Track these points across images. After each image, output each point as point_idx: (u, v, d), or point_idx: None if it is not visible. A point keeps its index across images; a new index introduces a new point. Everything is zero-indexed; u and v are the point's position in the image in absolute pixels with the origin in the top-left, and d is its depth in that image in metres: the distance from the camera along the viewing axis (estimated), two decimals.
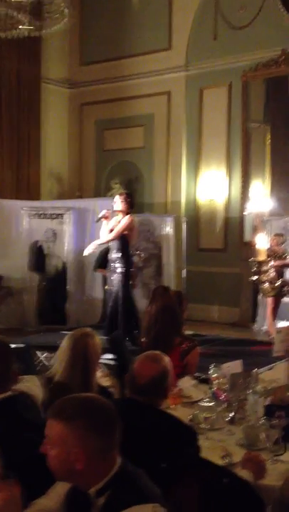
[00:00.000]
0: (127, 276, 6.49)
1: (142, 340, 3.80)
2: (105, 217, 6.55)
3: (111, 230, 6.50)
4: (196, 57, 9.60)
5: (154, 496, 1.57)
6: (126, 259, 6.48)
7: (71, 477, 1.60)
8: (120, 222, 6.45)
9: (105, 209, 6.83)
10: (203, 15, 9.43)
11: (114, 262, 6.50)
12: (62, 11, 5.29)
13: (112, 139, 10.66)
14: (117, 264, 6.45)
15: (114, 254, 6.50)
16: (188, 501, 1.80)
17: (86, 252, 6.89)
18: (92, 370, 2.65)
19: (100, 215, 6.72)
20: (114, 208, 6.55)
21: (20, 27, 5.16)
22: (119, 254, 6.44)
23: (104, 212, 6.67)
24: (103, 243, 6.67)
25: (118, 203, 6.52)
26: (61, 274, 8.59)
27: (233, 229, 9.38)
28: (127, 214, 6.51)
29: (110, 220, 6.55)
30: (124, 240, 6.48)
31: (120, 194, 6.75)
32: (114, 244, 6.51)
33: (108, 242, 6.55)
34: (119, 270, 6.43)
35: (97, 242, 6.72)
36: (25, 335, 7.51)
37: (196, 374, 3.78)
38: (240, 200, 9.30)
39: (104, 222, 6.61)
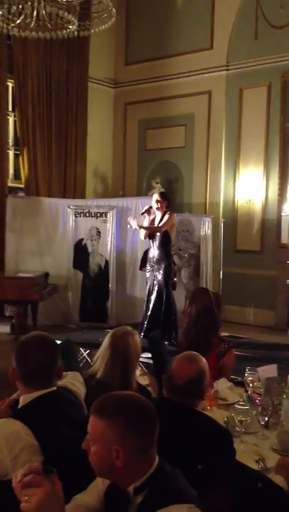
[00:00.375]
0: (168, 275, 6.51)
1: (180, 340, 3.83)
2: (148, 213, 6.62)
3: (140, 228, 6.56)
4: (237, 57, 9.58)
5: (190, 497, 1.60)
6: (168, 256, 6.51)
7: (110, 474, 1.63)
8: (163, 218, 6.48)
9: (148, 205, 6.91)
10: (244, 14, 9.39)
11: (155, 259, 6.52)
12: (111, 11, 5.36)
13: (154, 139, 10.71)
14: (159, 262, 6.47)
15: (156, 252, 6.51)
16: (222, 504, 1.83)
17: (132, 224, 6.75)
18: (131, 369, 2.70)
19: (143, 210, 6.80)
20: (154, 206, 6.62)
21: (69, 27, 5.25)
22: (161, 252, 6.46)
23: (147, 206, 6.74)
24: (149, 230, 6.64)
25: (156, 200, 6.57)
26: (104, 273, 8.70)
27: (270, 231, 9.31)
28: (164, 212, 6.56)
29: (152, 215, 6.61)
30: (165, 237, 6.51)
31: (159, 192, 6.82)
32: (155, 242, 6.54)
33: (154, 230, 6.53)
34: (161, 268, 6.45)
35: (141, 235, 6.71)
36: (68, 331, 7.67)
37: (232, 376, 3.79)
38: (277, 202, 9.23)
39: (146, 217, 6.67)
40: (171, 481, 1.63)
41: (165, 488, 1.59)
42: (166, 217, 6.51)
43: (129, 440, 1.58)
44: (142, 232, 6.63)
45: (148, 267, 6.70)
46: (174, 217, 6.59)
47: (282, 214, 9.18)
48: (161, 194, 6.67)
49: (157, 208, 6.57)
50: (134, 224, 6.61)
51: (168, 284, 6.50)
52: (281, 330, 8.78)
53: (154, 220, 6.58)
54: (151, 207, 6.67)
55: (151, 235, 6.56)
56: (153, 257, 6.54)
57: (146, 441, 1.62)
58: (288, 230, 9.27)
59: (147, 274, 6.69)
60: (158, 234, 6.52)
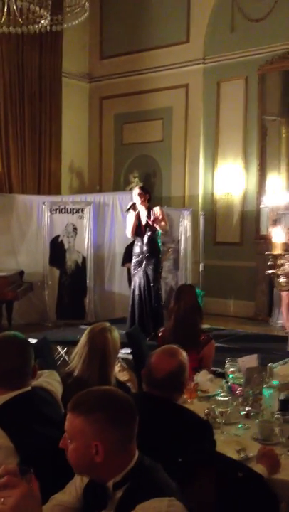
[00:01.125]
0: (158, 270, 6.48)
1: (164, 336, 3.81)
2: (133, 208, 6.54)
3: (136, 225, 6.47)
4: (214, 50, 9.59)
5: (170, 490, 1.59)
6: (157, 252, 6.48)
7: (90, 470, 1.62)
8: (156, 212, 6.41)
9: (131, 201, 6.84)
10: (220, 7, 9.40)
11: (145, 255, 6.45)
12: (84, 5, 5.30)
13: (131, 133, 10.67)
14: (149, 258, 6.41)
15: (144, 248, 6.44)
16: (203, 495, 1.84)
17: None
18: (110, 365, 2.68)
19: (128, 206, 6.71)
20: (138, 201, 6.53)
21: (42, 21, 5.18)
22: (151, 248, 6.41)
23: (131, 203, 6.67)
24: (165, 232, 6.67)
25: (138, 195, 6.50)
26: (81, 269, 8.66)
27: (250, 223, 9.36)
28: (147, 207, 6.51)
29: (136, 211, 6.52)
30: (154, 233, 6.45)
31: (139, 187, 6.74)
32: (144, 238, 6.45)
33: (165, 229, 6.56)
34: (151, 264, 6.40)
35: (128, 233, 6.65)
36: (45, 330, 7.60)
37: (213, 368, 3.81)
38: (256, 194, 9.28)
39: (129, 214, 6.60)
40: (151, 474, 1.62)
41: (145, 482, 1.59)
42: (158, 211, 6.42)
43: (108, 435, 1.58)
44: (129, 230, 6.54)
45: (134, 263, 6.60)
46: (162, 209, 6.59)
47: (261, 206, 9.23)
48: (142, 188, 6.62)
49: (140, 203, 6.50)
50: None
51: (157, 280, 6.47)
52: (261, 320, 8.86)
53: (138, 214, 6.51)
54: (134, 203, 6.60)
55: (138, 232, 6.50)
56: (141, 253, 6.45)
57: (126, 435, 1.62)
58: (267, 222, 9.34)
59: (133, 270, 6.59)
60: (147, 230, 6.44)
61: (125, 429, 1.62)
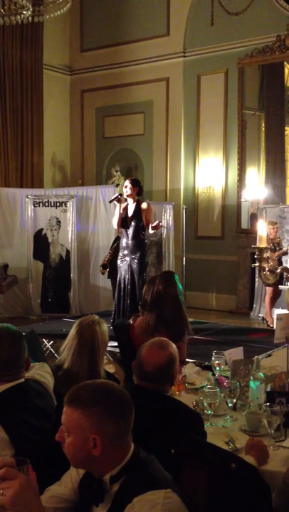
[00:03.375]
0: (143, 264, 6.46)
1: (149, 322, 3.75)
2: (118, 200, 6.48)
3: (122, 217, 6.44)
4: (194, 44, 9.60)
5: (166, 482, 1.60)
6: (143, 246, 6.45)
7: (88, 464, 1.62)
8: (142, 208, 6.37)
9: (117, 193, 6.80)
10: (200, 1, 9.41)
11: (130, 249, 6.43)
12: None
13: (112, 126, 10.64)
14: (135, 252, 6.39)
15: (130, 241, 6.42)
16: (196, 486, 1.85)
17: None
18: (99, 357, 2.68)
19: (113, 197, 6.65)
20: (125, 193, 6.49)
21: (24, 12, 5.11)
22: (136, 241, 6.38)
23: (117, 194, 6.60)
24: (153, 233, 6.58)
25: (128, 187, 6.46)
26: (65, 262, 8.62)
27: (231, 217, 9.41)
28: (135, 199, 6.47)
29: (123, 203, 6.48)
30: (140, 226, 6.42)
31: (130, 179, 6.66)
32: (129, 231, 6.42)
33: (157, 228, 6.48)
34: (136, 258, 6.39)
35: (114, 223, 6.55)
36: (29, 323, 7.58)
37: (199, 361, 3.83)
38: (237, 188, 9.33)
39: (117, 205, 6.55)
40: (147, 467, 1.62)
41: (141, 474, 1.59)
42: (146, 206, 6.40)
43: (106, 428, 1.58)
44: (115, 221, 6.49)
45: (120, 256, 6.57)
46: (150, 205, 6.56)
47: (242, 200, 9.30)
48: (132, 181, 6.57)
49: (128, 195, 6.45)
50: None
51: (142, 273, 6.44)
52: (243, 314, 8.94)
53: (126, 207, 6.47)
54: (120, 194, 6.55)
55: (124, 224, 6.45)
56: (127, 246, 6.42)
57: (123, 428, 1.62)
58: (248, 216, 9.41)
59: (119, 263, 6.55)
60: (132, 223, 6.41)
61: (122, 422, 1.62)
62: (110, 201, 6.74)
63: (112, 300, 6.78)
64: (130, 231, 6.37)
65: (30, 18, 5.40)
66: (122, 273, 6.41)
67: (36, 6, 5.52)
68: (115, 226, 6.56)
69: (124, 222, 6.38)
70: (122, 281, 6.41)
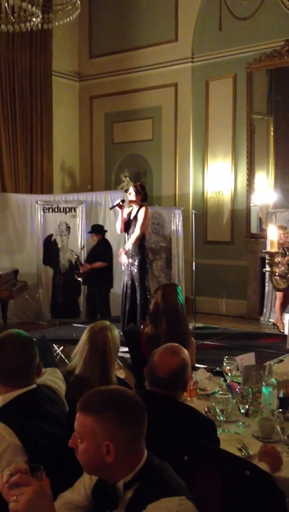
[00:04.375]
0: (143, 269, 6.47)
1: (152, 334, 3.78)
2: (120, 206, 6.51)
3: (125, 221, 6.46)
4: (202, 49, 9.61)
5: (180, 489, 1.58)
6: (142, 251, 6.46)
7: (101, 470, 1.60)
8: (138, 216, 6.42)
9: (119, 199, 6.82)
10: (208, 6, 9.43)
11: (130, 254, 6.44)
12: (75, 3, 5.28)
13: (121, 132, 10.67)
14: (133, 257, 6.41)
15: (130, 248, 6.44)
16: (210, 493, 1.83)
17: (124, 261, 6.53)
18: (110, 363, 2.67)
19: (115, 203, 6.70)
20: (129, 199, 6.53)
21: (33, 19, 5.15)
22: (135, 246, 6.40)
23: (118, 201, 6.64)
24: (134, 242, 6.45)
25: (132, 193, 6.49)
26: (74, 268, 8.62)
27: (240, 221, 9.39)
28: (140, 205, 6.48)
29: (124, 209, 6.51)
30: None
31: (134, 185, 6.70)
32: (129, 237, 6.45)
33: (138, 239, 6.41)
34: (135, 263, 6.40)
35: (126, 246, 6.56)
36: (40, 328, 7.60)
37: (210, 367, 3.81)
38: (246, 193, 9.31)
39: (118, 211, 6.58)
40: (161, 473, 1.61)
41: (155, 481, 1.58)
42: (141, 214, 6.40)
43: (119, 434, 1.56)
44: (118, 226, 6.53)
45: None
46: (148, 211, 6.52)
47: (251, 204, 9.28)
48: (136, 187, 6.58)
49: (132, 201, 6.47)
50: (124, 258, 6.47)
51: (143, 278, 6.44)
52: (253, 319, 8.89)
53: (130, 213, 6.50)
54: (123, 201, 6.58)
55: (127, 229, 6.48)
56: (128, 252, 6.46)
57: (136, 434, 1.61)
58: (257, 221, 9.38)
59: (123, 269, 6.61)
60: (133, 229, 6.42)
61: (136, 428, 1.61)
62: (111, 208, 6.77)
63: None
64: (130, 236, 6.41)
65: (39, 25, 5.43)
66: (125, 278, 6.46)
67: (45, 13, 5.56)
68: (118, 231, 6.60)
69: (126, 227, 6.43)
70: (125, 286, 6.45)
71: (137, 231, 6.38)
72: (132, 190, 6.50)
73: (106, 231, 7.96)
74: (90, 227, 8.09)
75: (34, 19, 5.19)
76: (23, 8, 5.06)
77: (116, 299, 6.87)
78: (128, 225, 6.49)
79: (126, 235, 6.54)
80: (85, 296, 8.50)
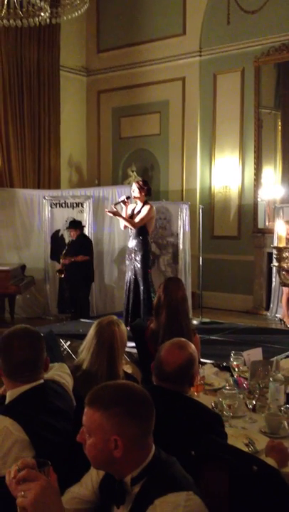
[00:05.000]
0: (146, 264, 6.49)
1: (155, 329, 3.78)
2: (124, 202, 6.52)
3: (128, 217, 6.49)
4: (210, 43, 9.57)
5: (187, 484, 1.58)
6: (145, 246, 6.48)
7: (109, 465, 1.60)
8: (141, 210, 6.42)
9: (124, 195, 6.83)
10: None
11: (132, 249, 6.48)
12: None
13: (128, 127, 10.65)
14: (136, 252, 6.43)
15: (133, 242, 6.47)
16: (217, 488, 1.83)
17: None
18: (118, 358, 2.68)
19: (119, 199, 6.72)
20: (133, 195, 6.55)
21: (42, 14, 5.13)
22: (138, 242, 6.42)
23: (123, 197, 6.65)
24: (125, 226, 6.55)
25: (135, 190, 6.50)
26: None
27: (247, 216, 9.36)
28: (143, 201, 6.50)
29: (128, 206, 6.53)
30: (142, 228, 6.46)
31: (137, 181, 6.72)
32: (132, 232, 6.49)
33: (130, 225, 6.42)
34: (138, 258, 6.42)
35: (121, 225, 6.64)
36: (47, 323, 7.62)
37: (217, 361, 3.81)
38: (253, 187, 9.27)
39: (123, 207, 6.60)
40: (168, 468, 1.61)
41: (162, 476, 1.58)
42: (145, 210, 6.40)
43: (127, 429, 1.56)
44: (122, 223, 6.55)
45: (126, 257, 6.65)
46: (152, 209, 6.51)
47: (258, 199, 9.25)
48: (139, 183, 6.58)
49: (136, 197, 6.49)
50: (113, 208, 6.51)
51: (146, 273, 6.46)
52: (259, 314, 8.88)
53: (134, 209, 6.51)
54: (128, 197, 6.58)
55: None
56: (131, 247, 6.50)
57: (144, 429, 1.61)
58: (264, 215, 9.35)
59: (126, 263, 6.64)
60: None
61: (144, 422, 1.61)
62: (115, 204, 6.77)
63: None
64: (133, 232, 6.41)
65: (47, 20, 5.42)
66: (129, 273, 6.49)
67: (54, 8, 5.54)
68: (122, 227, 6.62)
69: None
70: (128, 281, 6.47)
71: (133, 222, 6.37)
72: (134, 186, 6.51)
73: (84, 226, 8.20)
74: (69, 223, 8.23)
75: (42, 14, 5.18)
76: (32, 2, 5.05)
77: (122, 294, 6.88)
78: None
79: (129, 230, 6.56)
80: (58, 290, 8.60)
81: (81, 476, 1.82)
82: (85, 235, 8.26)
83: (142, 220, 6.38)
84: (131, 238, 6.51)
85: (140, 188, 6.44)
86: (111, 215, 6.60)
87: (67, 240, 8.66)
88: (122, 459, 1.56)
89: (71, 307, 8.10)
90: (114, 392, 1.62)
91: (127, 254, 6.59)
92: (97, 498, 1.74)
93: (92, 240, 8.59)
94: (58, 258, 8.67)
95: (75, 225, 8.06)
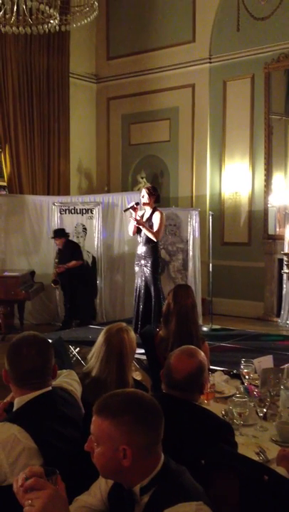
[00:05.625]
0: (156, 270, 6.46)
1: (165, 336, 3.76)
2: (134, 209, 6.51)
3: (138, 223, 6.45)
4: (219, 49, 9.58)
5: (197, 494, 1.56)
6: (155, 253, 6.46)
7: (117, 475, 1.58)
8: (152, 217, 6.41)
9: (134, 201, 6.82)
10: (225, 6, 9.41)
11: (142, 255, 6.45)
12: (93, 4, 5.29)
13: (138, 133, 10.67)
14: (146, 258, 6.41)
15: (143, 248, 6.45)
16: (228, 498, 1.80)
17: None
18: (127, 365, 2.65)
19: (129, 205, 6.70)
20: (142, 202, 6.53)
21: (51, 21, 5.16)
22: (148, 248, 6.40)
23: (133, 203, 6.63)
24: (136, 234, 6.52)
25: (145, 196, 6.49)
26: (91, 270, 8.64)
27: (257, 223, 9.33)
28: (152, 207, 6.48)
29: (137, 212, 6.51)
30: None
31: (146, 187, 6.70)
32: (142, 238, 6.46)
33: (152, 235, 6.38)
34: (148, 264, 6.40)
35: (130, 231, 6.60)
36: (56, 330, 7.61)
37: (227, 369, 3.77)
38: (263, 194, 9.24)
39: (132, 214, 6.57)
40: (178, 478, 1.58)
41: (172, 486, 1.55)
42: (157, 218, 6.38)
43: (136, 438, 1.54)
44: (131, 229, 6.53)
45: (135, 263, 6.63)
46: (163, 216, 6.50)
47: (269, 205, 9.21)
48: (149, 188, 6.56)
49: (146, 204, 6.47)
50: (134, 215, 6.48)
51: (156, 280, 6.43)
52: (270, 321, 8.82)
53: (143, 215, 6.49)
54: (137, 203, 6.57)
55: (139, 231, 6.48)
56: (141, 253, 6.47)
57: (153, 438, 1.58)
58: (275, 221, 9.31)
59: (136, 270, 6.61)
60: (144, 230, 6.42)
61: (153, 431, 1.58)
62: (125, 210, 6.76)
63: None
64: (143, 238, 6.39)
65: (57, 27, 5.44)
66: (138, 280, 6.46)
67: (63, 15, 5.57)
68: (131, 234, 6.59)
69: (139, 229, 6.41)
70: (137, 288, 6.44)
71: (156, 233, 6.36)
72: (144, 192, 6.49)
73: (68, 234, 8.22)
74: (53, 232, 8.26)
75: (52, 21, 5.20)
76: (41, 10, 5.08)
77: (132, 301, 6.86)
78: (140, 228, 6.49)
79: (138, 237, 6.53)
80: (57, 300, 8.63)
81: (90, 484, 1.80)
82: (72, 241, 8.30)
83: (159, 229, 6.38)
84: (140, 245, 6.48)
85: (150, 194, 6.43)
86: (134, 222, 6.51)
87: None
88: (131, 469, 1.54)
89: (76, 316, 8.08)
90: (123, 401, 1.60)
91: (137, 260, 6.56)
92: (106, 508, 1.72)
93: (102, 246, 8.60)
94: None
95: (59, 234, 8.11)
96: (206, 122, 9.83)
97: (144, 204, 6.49)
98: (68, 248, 8.07)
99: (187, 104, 10.00)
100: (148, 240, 6.39)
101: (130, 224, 6.57)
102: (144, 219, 6.45)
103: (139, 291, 6.45)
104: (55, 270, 8.00)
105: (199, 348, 3.22)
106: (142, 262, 6.42)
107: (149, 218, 6.43)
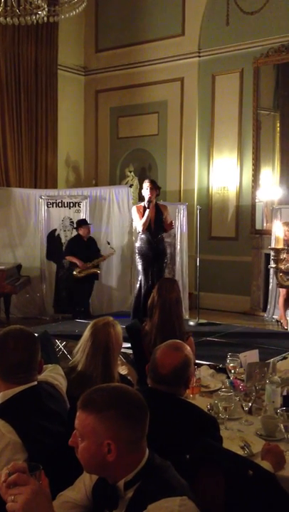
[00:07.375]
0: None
1: (149, 330, 3.76)
2: (145, 209, 6.48)
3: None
4: (209, 43, 9.56)
5: (182, 489, 1.56)
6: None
7: (102, 469, 1.58)
8: (165, 213, 6.47)
9: (144, 202, 6.73)
10: (215, 0, 9.36)
11: (161, 251, 6.51)
12: None
13: (126, 127, 10.63)
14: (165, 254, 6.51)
15: (160, 247, 6.50)
16: (213, 493, 1.81)
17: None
18: (113, 360, 2.65)
19: (145, 205, 6.54)
20: (144, 195, 6.49)
21: (39, 12, 5.11)
22: (165, 245, 6.49)
23: (146, 204, 6.53)
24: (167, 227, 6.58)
25: (148, 189, 6.44)
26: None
27: (245, 217, 9.35)
28: (154, 202, 6.49)
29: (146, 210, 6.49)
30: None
31: (149, 181, 6.61)
32: (150, 236, 6.46)
33: (168, 228, 6.57)
34: (164, 259, 6.48)
35: (138, 227, 6.58)
36: (42, 323, 7.58)
37: (213, 363, 3.79)
38: (251, 188, 9.26)
39: (147, 211, 6.51)
40: (162, 473, 1.58)
41: (156, 481, 1.55)
42: (167, 211, 6.50)
43: (121, 433, 1.53)
44: (141, 224, 6.45)
45: (139, 258, 6.59)
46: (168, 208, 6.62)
47: (256, 200, 9.23)
48: (153, 182, 6.56)
49: (149, 198, 6.43)
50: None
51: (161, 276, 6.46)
52: (256, 315, 8.86)
53: (145, 209, 6.47)
54: (149, 202, 6.48)
55: (149, 227, 6.47)
56: (161, 249, 6.54)
57: (138, 433, 1.58)
58: (262, 216, 9.34)
59: (141, 266, 6.58)
60: (153, 226, 6.45)
61: (138, 426, 1.58)
62: (147, 207, 6.58)
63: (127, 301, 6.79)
64: (152, 235, 6.44)
65: (45, 18, 5.39)
66: (149, 276, 6.47)
67: (52, 6, 5.52)
68: (140, 228, 6.50)
69: (149, 226, 6.43)
70: (144, 285, 6.44)
71: (170, 225, 6.51)
72: (147, 185, 6.43)
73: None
74: (76, 223, 8.18)
75: (40, 12, 5.15)
76: (29, 0, 5.02)
77: (120, 294, 6.86)
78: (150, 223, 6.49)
79: (141, 234, 6.52)
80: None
81: (74, 479, 1.79)
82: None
83: (172, 222, 6.55)
84: (151, 242, 6.45)
85: (153, 188, 6.44)
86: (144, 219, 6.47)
87: (63, 240, 8.62)
88: (116, 463, 1.53)
89: (73, 306, 8.02)
90: (108, 395, 1.59)
91: (136, 254, 6.53)
92: (90, 503, 1.71)
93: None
94: (54, 258, 8.61)
95: (85, 222, 8.05)
96: (194, 116, 9.81)
97: (150, 197, 6.44)
98: (91, 240, 8.05)
99: (176, 98, 9.97)
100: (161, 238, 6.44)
101: (142, 220, 6.44)
102: (148, 213, 6.42)
103: (141, 285, 6.44)
104: (85, 265, 7.83)
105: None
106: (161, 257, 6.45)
107: (155, 213, 6.43)
